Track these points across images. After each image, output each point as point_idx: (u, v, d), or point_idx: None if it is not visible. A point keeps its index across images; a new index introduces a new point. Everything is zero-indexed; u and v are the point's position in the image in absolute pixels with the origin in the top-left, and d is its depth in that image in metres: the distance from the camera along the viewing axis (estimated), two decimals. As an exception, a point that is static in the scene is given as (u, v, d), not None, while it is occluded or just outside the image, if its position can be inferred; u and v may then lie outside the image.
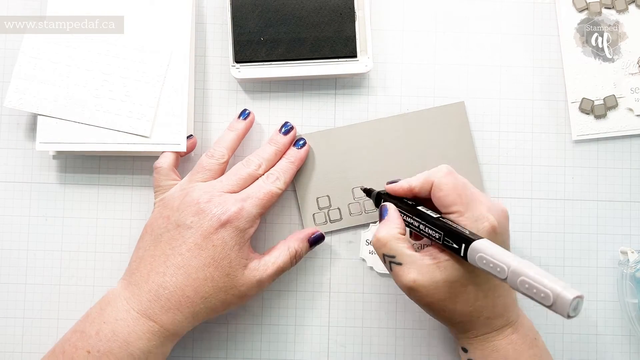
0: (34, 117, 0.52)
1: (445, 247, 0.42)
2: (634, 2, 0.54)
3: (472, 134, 0.53)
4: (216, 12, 0.54)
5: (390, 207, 0.46)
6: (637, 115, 0.53)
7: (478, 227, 0.42)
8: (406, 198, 0.46)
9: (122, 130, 0.50)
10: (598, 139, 0.54)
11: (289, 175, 0.50)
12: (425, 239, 0.45)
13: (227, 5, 0.51)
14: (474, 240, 0.40)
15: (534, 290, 0.36)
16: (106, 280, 0.53)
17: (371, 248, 0.52)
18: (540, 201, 0.54)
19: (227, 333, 0.53)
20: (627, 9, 0.54)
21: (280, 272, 0.48)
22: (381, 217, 0.46)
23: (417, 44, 0.54)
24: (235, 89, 0.54)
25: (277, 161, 0.50)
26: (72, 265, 0.53)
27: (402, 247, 0.43)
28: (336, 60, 0.51)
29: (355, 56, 0.51)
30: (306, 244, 0.50)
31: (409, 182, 0.45)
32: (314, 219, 0.53)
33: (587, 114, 0.54)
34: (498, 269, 0.38)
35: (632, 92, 0.53)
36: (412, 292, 0.43)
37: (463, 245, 0.40)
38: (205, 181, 0.48)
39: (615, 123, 0.54)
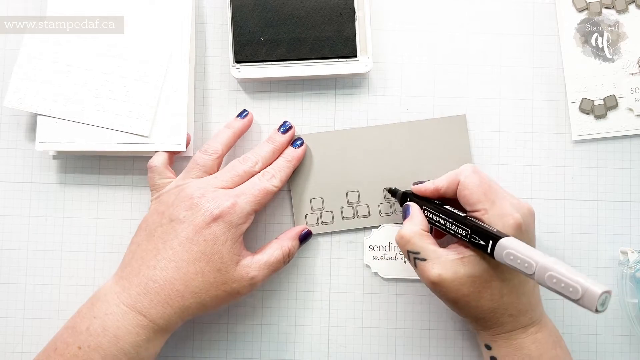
0: (34, 117, 0.52)
1: (471, 245, 0.42)
2: (634, 2, 0.54)
3: (470, 147, 0.53)
4: (216, 12, 0.54)
5: (413, 206, 0.47)
6: (637, 115, 0.53)
7: (503, 223, 0.42)
8: (432, 198, 0.47)
9: (122, 130, 0.50)
10: (598, 139, 0.54)
11: (285, 174, 0.50)
12: (446, 237, 0.46)
13: (227, 5, 0.51)
14: (501, 237, 0.40)
15: (562, 285, 0.36)
16: (106, 280, 0.52)
17: (375, 254, 0.53)
18: (540, 201, 0.54)
19: (227, 333, 0.53)
20: (627, 9, 0.54)
21: (273, 271, 0.48)
22: (404, 215, 0.47)
23: (417, 44, 0.54)
24: (235, 89, 0.54)
25: (274, 160, 0.50)
26: (72, 265, 0.53)
27: (427, 243, 0.44)
28: (336, 60, 0.51)
29: (355, 56, 0.51)
30: (297, 242, 0.51)
31: (435, 183, 0.47)
32: (306, 219, 0.53)
33: (587, 114, 0.54)
34: (526, 265, 0.38)
35: (632, 92, 0.53)
36: (436, 287, 0.43)
37: (490, 242, 0.41)
38: (200, 177, 0.48)
39: (615, 123, 0.54)
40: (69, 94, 0.50)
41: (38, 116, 0.50)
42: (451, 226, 0.44)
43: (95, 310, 0.44)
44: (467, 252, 0.43)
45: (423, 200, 0.47)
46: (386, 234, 0.53)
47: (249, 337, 0.53)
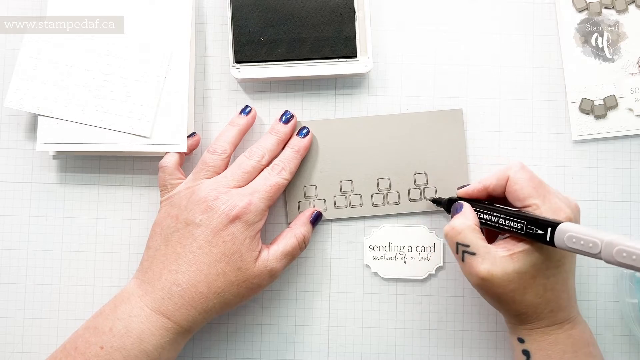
0: (34, 117, 0.52)
1: (527, 236, 0.42)
2: (634, 2, 0.54)
3: (466, 141, 0.53)
4: (216, 12, 0.54)
5: (465, 204, 0.47)
6: (637, 115, 0.53)
7: (556, 218, 0.42)
8: (480, 199, 0.47)
9: (123, 131, 0.50)
10: (598, 139, 0.54)
11: (294, 165, 0.50)
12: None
13: (227, 5, 0.51)
14: (558, 224, 0.40)
15: (633, 257, 0.36)
16: (106, 280, 0.53)
17: (375, 254, 0.53)
18: (540, 201, 0.54)
19: (227, 333, 0.53)
20: (627, 9, 0.54)
21: (291, 259, 0.49)
22: (454, 214, 0.47)
23: (417, 44, 0.54)
24: (235, 89, 0.54)
25: (280, 151, 0.50)
26: (72, 265, 0.53)
27: (477, 237, 0.44)
28: (336, 60, 0.51)
29: (355, 56, 0.51)
30: (309, 226, 0.51)
31: (482, 182, 0.47)
32: (298, 206, 0.53)
33: (587, 114, 0.54)
34: (590, 245, 0.38)
35: (632, 92, 0.53)
36: (484, 282, 0.43)
37: (549, 229, 0.40)
38: (210, 178, 0.48)
39: (615, 123, 0.54)
40: (69, 95, 0.50)
41: (39, 117, 0.50)
42: (504, 222, 0.44)
43: (119, 312, 0.45)
44: (516, 249, 0.43)
45: (471, 202, 0.47)
46: (386, 234, 0.53)
47: (249, 337, 0.53)
